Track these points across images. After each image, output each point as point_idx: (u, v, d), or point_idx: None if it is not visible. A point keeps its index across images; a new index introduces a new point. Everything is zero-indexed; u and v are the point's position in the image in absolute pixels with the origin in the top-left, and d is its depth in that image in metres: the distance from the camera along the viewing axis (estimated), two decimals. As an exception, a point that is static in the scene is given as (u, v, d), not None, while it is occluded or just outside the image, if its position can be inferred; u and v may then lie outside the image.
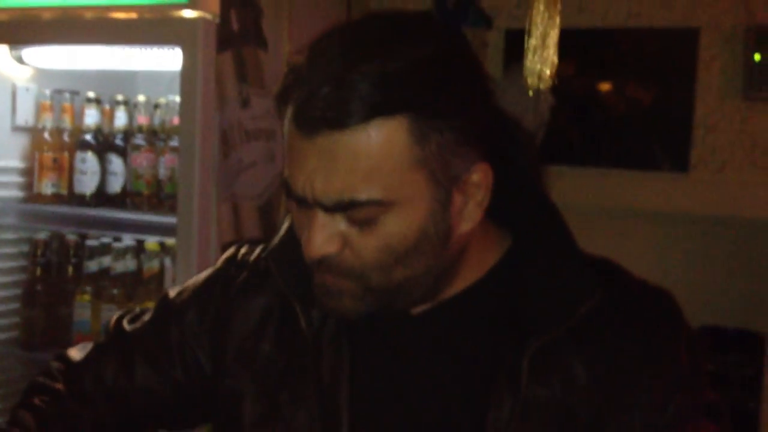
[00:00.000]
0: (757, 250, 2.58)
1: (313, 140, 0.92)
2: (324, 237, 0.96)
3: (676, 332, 1.05)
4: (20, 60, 2.46)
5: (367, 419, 1.05)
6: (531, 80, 1.75)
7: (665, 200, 2.63)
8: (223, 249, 2.18)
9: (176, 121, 2.42)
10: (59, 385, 1.20)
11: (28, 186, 2.54)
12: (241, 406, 1.11)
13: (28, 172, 2.54)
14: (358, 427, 1.04)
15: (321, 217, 0.96)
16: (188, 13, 2.03)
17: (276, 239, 1.15)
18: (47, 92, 2.49)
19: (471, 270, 1.06)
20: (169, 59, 2.31)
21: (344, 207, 0.94)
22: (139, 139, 2.47)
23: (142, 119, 2.48)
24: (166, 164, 2.43)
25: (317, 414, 1.05)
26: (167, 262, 2.41)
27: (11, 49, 2.41)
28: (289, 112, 0.94)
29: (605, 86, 2.68)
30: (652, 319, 1.05)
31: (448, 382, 1.04)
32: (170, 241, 2.37)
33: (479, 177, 0.98)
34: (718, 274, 2.64)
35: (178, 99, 2.39)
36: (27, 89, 2.52)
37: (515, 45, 2.73)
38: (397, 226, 0.95)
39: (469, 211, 1.00)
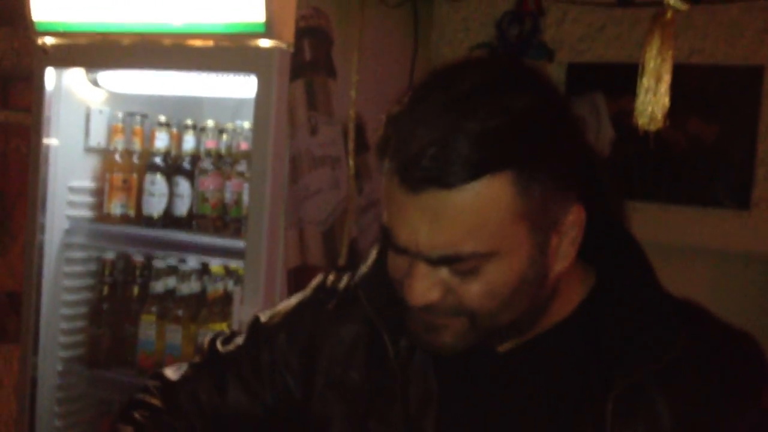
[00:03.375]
0: (819, 290, 2.56)
1: (418, 197, 0.94)
2: (426, 286, 0.98)
3: (759, 375, 1.07)
4: (95, 83, 2.53)
5: None
6: (642, 121, 1.76)
7: (726, 238, 2.62)
8: (289, 274, 2.24)
9: (243, 145, 2.48)
10: (156, 401, 1.24)
11: (98, 206, 2.60)
12: (329, 430, 1.14)
13: (98, 193, 2.61)
14: None
15: (423, 267, 0.98)
16: (264, 43, 2.09)
17: (364, 268, 1.17)
18: (119, 115, 2.57)
19: (559, 307, 1.08)
20: (237, 86, 2.37)
21: (449, 261, 0.96)
22: (206, 163, 2.52)
23: (209, 143, 2.53)
24: (232, 188, 2.47)
25: None
26: (231, 285, 2.45)
27: (87, 72, 2.49)
28: (390, 165, 0.97)
29: (667, 122, 2.68)
30: (735, 362, 1.06)
31: (533, 420, 1.06)
32: (234, 264, 2.42)
33: (574, 217, 1.01)
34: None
35: (245, 124, 2.46)
36: (100, 112, 2.59)
37: (577, 79, 2.76)
38: (499, 274, 0.98)
39: (564, 250, 1.03)
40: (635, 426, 1.02)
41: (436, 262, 0.97)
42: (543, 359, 1.08)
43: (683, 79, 2.66)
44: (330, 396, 1.16)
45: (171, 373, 1.30)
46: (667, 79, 1.76)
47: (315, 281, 1.28)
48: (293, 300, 1.28)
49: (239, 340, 1.29)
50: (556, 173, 0.97)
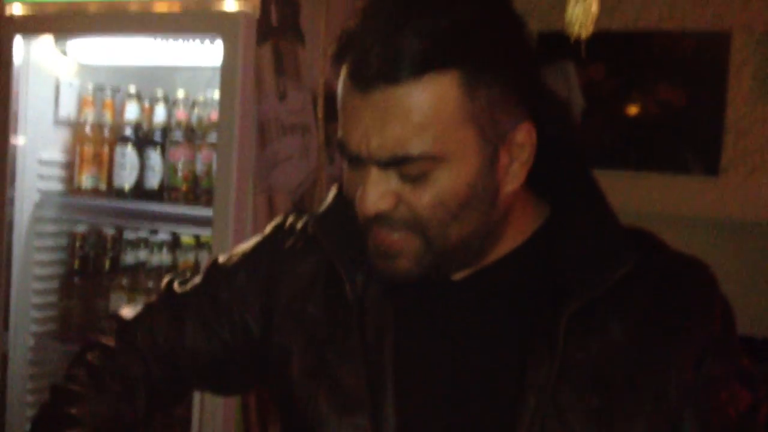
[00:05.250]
0: (789, 254, 2.58)
1: (368, 97, 0.96)
2: (378, 193, 0.99)
3: (709, 298, 1.07)
4: (64, 53, 2.53)
5: (411, 378, 1.07)
6: (572, 30, 1.79)
7: (695, 204, 2.63)
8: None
9: (214, 117, 2.47)
10: (112, 342, 1.23)
11: (68, 179, 2.60)
12: (289, 362, 1.14)
13: (68, 166, 2.60)
14: (403, 384, 1.07)
15: (375, 173, 0.99)
16: (230, 6, 2.09)
17: (323, 206, 1.18)
18: (89, 87, 2.56)
19: (512, 236, 1.09)
20: (208, 55, 2.37)
21: (398, 162, 0.97)
22: (177, 135, 2.51)
23: (180, 115, 2.53)
24: (203, 160, 2.47)
25: (363, 371, 1.08)
26: (202, 256, 2.45)
27: (57, 42, 2.48)
28: (344, 71, 0.99)
29: (637, 89, 2.70)
30: (686, 284, 1.07)
31: (488, 345, 1.07)
32: (205, 235, 2.41)
33: (524, 136, 1.02)
34: (749, 279, 2.63)
35: (216, 95, 2.45)
36: (70, 84, 2.58)
37: (547, 47, 2.77)
38: (448, 182, 0.98)
39: (515, 171, 1.03)
40: (587, 344, 1.02)
41: (386, 164, 0.98)
42: (497, 286, 1.09)
43: (653, 46, 2.69)
44: (289, 329, 1.16)
45: (127, 312, 1.29)
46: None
47: (274, 222, 1.28)
48: (252, 241, 1.28)
49: (197, 280, 1.28)
50: (503, 81, 0.98)
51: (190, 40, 2.32)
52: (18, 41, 2.42)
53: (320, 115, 2.39)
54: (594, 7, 1.77)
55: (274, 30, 2.21)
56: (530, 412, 1.00)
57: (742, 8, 2.56)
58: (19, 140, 2.49)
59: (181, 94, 2.52)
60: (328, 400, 1.09)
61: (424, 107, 0.95)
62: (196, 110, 2.53)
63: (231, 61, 2.12)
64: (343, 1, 2.40)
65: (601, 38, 2.71)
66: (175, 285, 1.29)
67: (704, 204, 2.64)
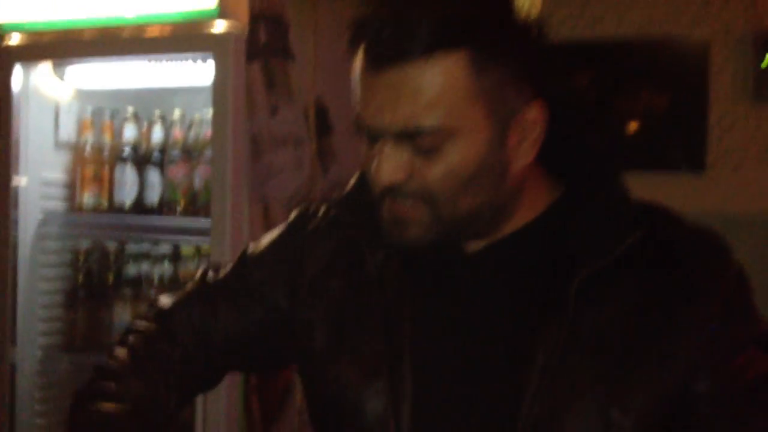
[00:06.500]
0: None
1: (382, 75, 1.03)
2: (392, 165, 1.06)
3: (720, 264, 1.10)
4: (63, 79, 2.61)
5: (427, 345, 1.14)
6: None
7: (684, 200, 2.69)
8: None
9: (210, 134, 2.54)
10: (152, 326, 1.30)
11: (70, 198, 2.69)
12: (312, 335, 1.22)
13: (70, 185, 2.69)
14: (419, 352, 1.13)
15: (389, 147, 1.05)
16: (218, 26, 2.17)
17: (347, 189, 1.25)
18: (88, 111, 2.65)
19: (524, 212, 1.14)
20: (202, 75, 2.44)
21: (410, 134, 1.03)
22: (174, 154, 2.59)
23: (177, 134, 2.61)
24: (201, 175, 2.55)
25: (382, 341, 1.15)
26: (202, 265, 2.51)
27: (55, 69, 2.57)
28: (359, 53, 1.06)
29: (622, 94, 2.76)
30: (698, 251, 1.10)
31: (501, 314, 1.13)
32: (205, 245, 2.48)
33: (534, 115, 1.07)
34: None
35: (210, 113, 2.53)
36: (69, 108, 2.68)
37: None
38: (459, 154, 1.04)
39: (525, 148, 1.08)
40: (597, 308, 1.07)
41: (399, 136, 1.04)
42: (510, 257, 1.14)
43: (634, 54, 2.76)
44: (313, 303, 1.24)
45: (165, 300, 1.36)
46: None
47: (297, 209, 1.35)
48: (277, 229, 1.36)
49: (228, 267, 1.36)
50: (511, 62, 1.04)
51: (184, 61, 2.40)
52: (18, 69, 2.50)
53: (312, 127, 2.46)
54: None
55: (263, 48, 2.29)
56: (538, 372, 1.05)
57: (720, 13, 2.62)
58: (21, 163, 2.57)
59: (177, 113, 2.59)
60: (349, 368, 1.16)
61: (435, 84, 1.01)
62: (192, 129, 2.61)
63: (222, 79, 2.21)
64: (330, 20, 2.48)
65: (585, 47, 2.79)
66: (208, 275, 1.36)
67: (693, 199, 2.70)
